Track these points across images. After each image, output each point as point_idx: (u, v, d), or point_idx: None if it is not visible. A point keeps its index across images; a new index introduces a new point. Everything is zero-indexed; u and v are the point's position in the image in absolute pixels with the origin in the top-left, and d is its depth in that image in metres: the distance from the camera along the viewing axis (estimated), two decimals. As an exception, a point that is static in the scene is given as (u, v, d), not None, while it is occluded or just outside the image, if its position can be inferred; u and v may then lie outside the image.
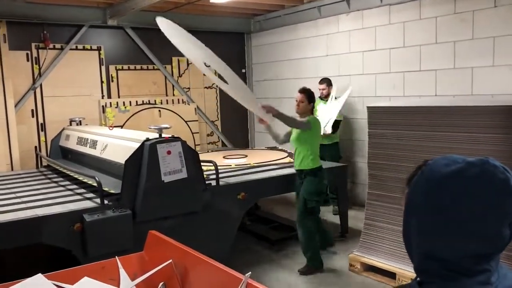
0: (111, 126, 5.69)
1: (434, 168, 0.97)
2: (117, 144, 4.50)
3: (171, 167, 3.92)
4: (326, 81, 6.26)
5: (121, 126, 6.93)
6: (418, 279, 0.99)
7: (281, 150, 6.56)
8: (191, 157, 4.09)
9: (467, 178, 0.92)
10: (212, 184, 4.38)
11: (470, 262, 0.92)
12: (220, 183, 4.44)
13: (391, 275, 4.07)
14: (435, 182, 0.95)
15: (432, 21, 5.42)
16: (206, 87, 8.17)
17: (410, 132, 4.05)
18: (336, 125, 6.06)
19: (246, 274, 1.94)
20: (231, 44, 8.36)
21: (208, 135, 8.22)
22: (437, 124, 3.87)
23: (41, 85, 6.56)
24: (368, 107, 4.46)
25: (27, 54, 6.45)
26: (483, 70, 5.01)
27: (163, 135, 4.06)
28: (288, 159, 5.74)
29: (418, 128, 3.99)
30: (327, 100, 6.20)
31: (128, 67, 7.30)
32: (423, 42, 5.55)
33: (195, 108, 7.84)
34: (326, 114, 6.04)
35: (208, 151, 6.98)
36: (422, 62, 5.58)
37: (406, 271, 3.91)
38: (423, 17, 5.52)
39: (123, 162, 3.85)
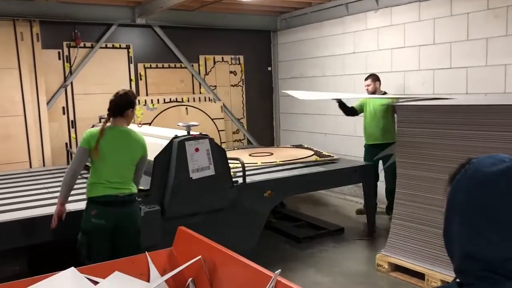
0: (139, 124, 5.77)
1: (479, 167, 0.94)
2: (146, 141, 4.56)
3: (199, 164, 3.95)
4: (371, 77, 5.74)
5: (149, 124, 7.03)
6: (457, 280, 0.97)
7: (307, 148, 6.54)
8: (218, 154, 4.12)
9: None
10: (239, 182, 4.39)
11: None
12: (247, 180, 4.45)
13: (420, 275, 4.01)
14: (480, 180, 0.93)
15: (464, 17, 5.30)
16: (232, 85, 8.19)
17: (440, 131, 3.97)
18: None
19: (276, 272, 1.94)
20: (257, 42, 8.36)
21: (234, 132, 8.25)
22: (469, 123, 3.78)
23: (71, 83, 6.70)
24: (398, 105, 4.40)
25: (58, 52, 6.60)
26: (517, 68, 4.87)
27: (191, 133, 4.10)
28: (314, 157, 5.72)
29: (449, 127, 3.91)
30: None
31: (156, 65, 7.38)
32: (454, 39, 5.43)
33: (221, 106, 7.87)
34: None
35: (234, 149, 7.00)
36: (453, 59, 5.46)
37: (436, 272, 3.85)
38: (454, 13, 5.40)
39: (152, 159, 3.90)
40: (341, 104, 5.77)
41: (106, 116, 3.35)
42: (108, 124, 3.32)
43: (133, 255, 3.24)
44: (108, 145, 3.23)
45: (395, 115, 5.08)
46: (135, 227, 3.33)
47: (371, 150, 5.72)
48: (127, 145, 3.30)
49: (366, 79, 5.81)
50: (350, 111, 5.87)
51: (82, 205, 3.48)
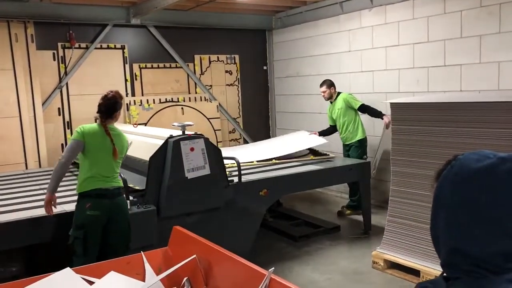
0: (135, 124, 5.79)
1: (464, 163, 0.96)
2: (141, 141, 4.58)
3: (194, 164, 3.97)
4: (326, 83, 6.12)
5: (145, 124, 7.03)
6: (444, 274, 0.98)
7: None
8: (213, 153, 4.13)
9: (499, 173, 0.91)
10: (235, 181, 4.40)
11: (499, 259, 0.90)
12: (242, 179, 4.46)
13: (415, 272, 4.03)
14: (465, 176, 0.94)
15: (457, 15, 5.32)
16: (228, 85, 8.20)
17: (434, 128, 4.00)
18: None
19: (270, 270, 1.96)
20: (252, 41, 8.37)
21: (230, 132, 8.26)
22: (463, 120, 3.81)
23: (67, 83, 6.69)
24: (392, 103, 4.42)
25: (53, 53, 6.59)
26: (510, 64, 4.89)
27: (186, 132, 4.11)
28: (310, 156, 5.73)
29: (443, 124, 3.94)
30: (332, 102, 6.17)
31: (152, 65, 7.38)
32: (447, 37, 5.45)
33: (217, 106, 7.88)
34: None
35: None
36: (447, 57, 5.49)
37: (430, 268, 3.87)
38: (447, 11, 5.43)
39: (148, 159, 3.91)
40: (321, 133, 6.26)
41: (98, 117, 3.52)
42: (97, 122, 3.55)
43: (125, 247, 3.36)
44: (102, 142, 3.41)
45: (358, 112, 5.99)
46: (126, 218, 3.48)
47: (344, 149, 6.22)
48: (118, 142, 3.48)
49: (320, 85, 6.17)
50: (330, 131, 6.30)
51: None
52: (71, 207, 3.64)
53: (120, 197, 3.49)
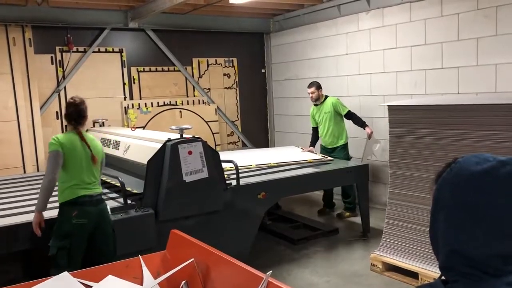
0: (133, 127, 5.78)
1: (464, 166, 0.96)
2: (139, 144, 4.58)
3: (192, 167, 3.96)
4: (315, 85, 6.11)
5: (143, 127, 7.03)
6: (442, 277, 0.98)
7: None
8: (212, 157, 4.13)
9: (498, 176, 0.91)
10: (233, 184, 4.40)
11: (498, 262, 0.89)
12: (241, 182, 4.46)
13: (413, 275, 4.04)
14: (465, 179, 0.94)
15: (454, 17, 5.34)
16: (226, 88, 8.21)
17: (432, 131, 4.01)
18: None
19: (267, 273, 1.96)
20: (251, 44, 8.39)
21: (228, 135, 8.26)
22: (460, 122, 3.82)
23: (65, 87, 6.69)
24: (389, 106, 4.42)
25: (51, 57, 6.59)
26: (507, 67, 4.91)
27: (184, 136, 4.11)
28: (308, 159, 5.73)
29: (440, 127, 3.95)
30: (317, 104, 6.19)
31: (150, 68, 7.39)
32: (445, 39, 5.47)
33: (215, 109, 7.89)
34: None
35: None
36: (444, 59, 5.50)
37: (429, 271, 3.87)
38: (444, 14, 5.45)
39: (146, 163, 3.91)
40: (312, 142, 6.34)
41: (71, 124, 3.48)
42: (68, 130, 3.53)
43: (113, 252, 3.37)
44: (80, 150, 3.39)
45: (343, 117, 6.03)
46: (110, 224, 3.48)
47: (326, 151, 6.19)
48: (94, 148, 3.47)
49: (309, 87, 6.16)
50: (316, 135, 6.34)
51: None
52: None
53: (103, 203, 3.49)
